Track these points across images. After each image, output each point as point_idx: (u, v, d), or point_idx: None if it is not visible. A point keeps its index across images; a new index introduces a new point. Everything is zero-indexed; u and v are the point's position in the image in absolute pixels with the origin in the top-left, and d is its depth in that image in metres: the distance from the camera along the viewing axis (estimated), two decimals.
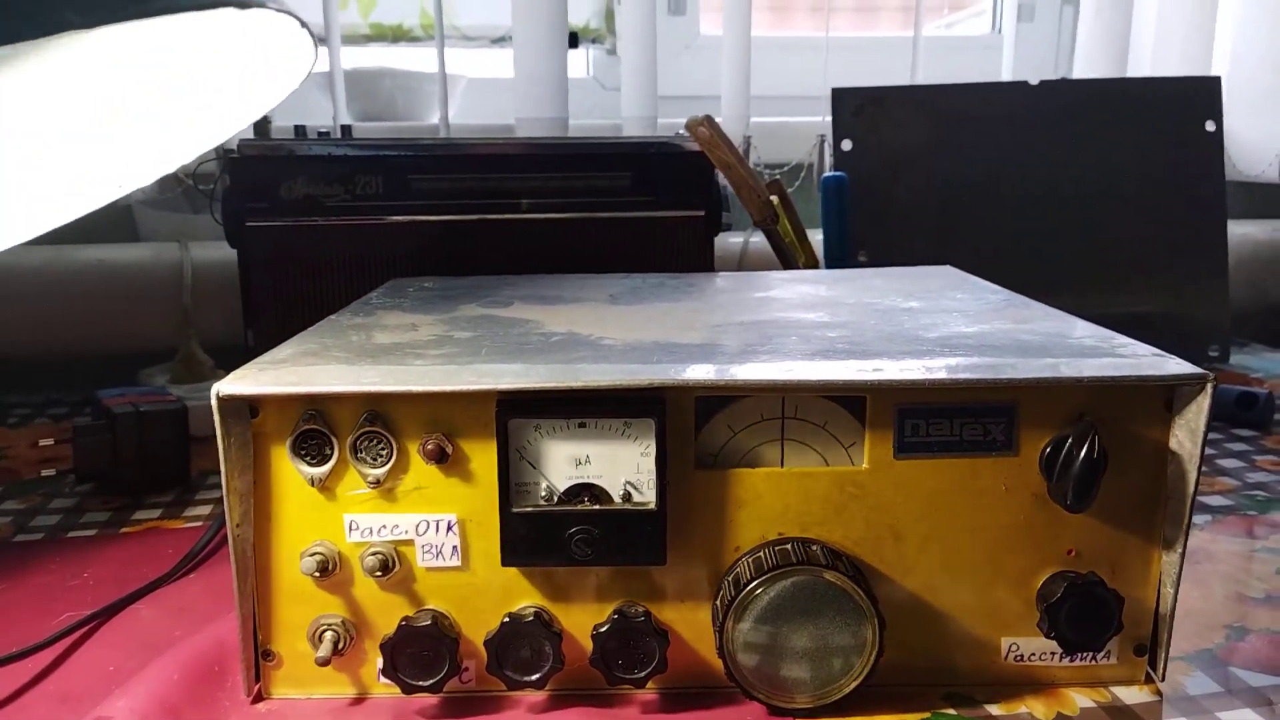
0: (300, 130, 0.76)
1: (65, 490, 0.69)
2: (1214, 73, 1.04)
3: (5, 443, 0.81)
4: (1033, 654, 0.43)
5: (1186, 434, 0.41)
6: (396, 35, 1.30)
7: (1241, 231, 1.08)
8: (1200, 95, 0.96)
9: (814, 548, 0.41)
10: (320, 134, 0.76)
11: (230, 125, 0.43)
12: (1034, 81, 0.95)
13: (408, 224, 0.76)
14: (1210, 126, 0.96)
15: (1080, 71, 1.12)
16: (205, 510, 0.65)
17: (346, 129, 0.80)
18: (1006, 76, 1.20)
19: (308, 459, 0.41)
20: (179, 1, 0.27)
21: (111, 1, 0.25)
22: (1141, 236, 0.96)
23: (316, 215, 0.74)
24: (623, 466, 0.41)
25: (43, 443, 0.77)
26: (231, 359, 0.88)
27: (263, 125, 0.76)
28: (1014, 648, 0.43)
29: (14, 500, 0.68)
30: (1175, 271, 0.97)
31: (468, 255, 0.76)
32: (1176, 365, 0.41)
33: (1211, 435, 0.78)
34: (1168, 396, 0.41)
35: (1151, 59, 1.10)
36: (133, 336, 0.93)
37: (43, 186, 0.39)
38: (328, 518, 0.41)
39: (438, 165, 0.76)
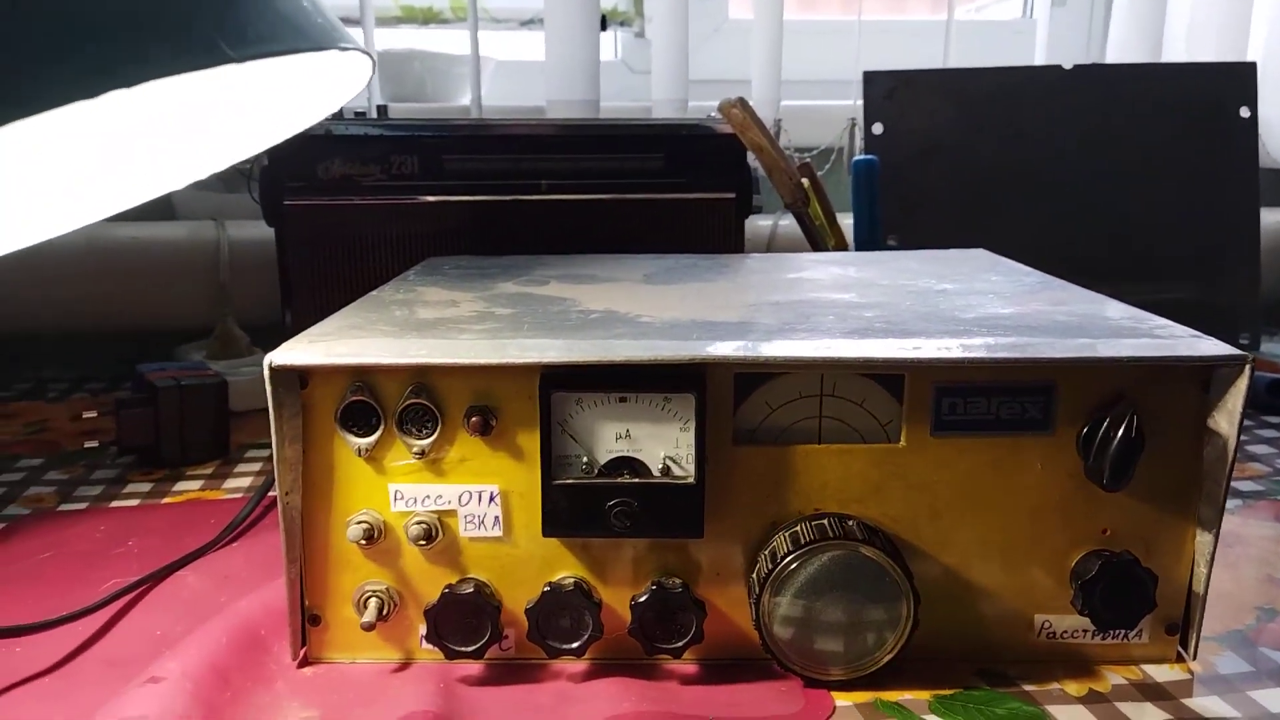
0: (337, 111, 0.77)
1: (107, 462, 0.70)
2: (1249, 59, 1.03)
3: (46, 416, 0.83)
4: (1065, 631, 0.44)
5: (1224, 415, 0.41)
6: (427, 18, 1.31)
7: (1274, 219, 1.07)
8: (1235, 81, 0.95)
9: (850, 523, 0.41)
10: (357, 114, 0.77)
11: (285, 132, 0.44)
12: (1067, 65, 0.95)
13: (442, 204, 0.76)
14: (1245, 113, 0.95)
15: (1114, 57, 1.11)
16: (245, 482, 0.66)
17: (382, 109, 0.80)
18: (1039, 60, 1.19)
19: (355, 429, 0.42)
20: (265, 49, 0.28)
21: (204, 52, 0.26)
22: (1173, 223, 0.96)
23: (353, 195, 0.75)
24: (662, 441, 0.42)
25: (86, 415, 0.79)
26: (267, 336, 0.89)
27: None
28: (1047, 625, 0.44)
29: (56, 471, 0.69)
30: (1207, 258, 0.96)
31: (501, 235, 0.77)
32: (1214, 346, 0.41)
33: (1245, 421, 0.77)
34: (1205, 378, 0.41)
35: (1186, 44, 1.09)
36: (169, 313, 0.95)
37: (88, 187, 0.40)
38: (374, 487, 0.42)
39: (472, 146, 0.76)
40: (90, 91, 0.23)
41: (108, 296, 0.94)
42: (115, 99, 0.24)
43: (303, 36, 0.30)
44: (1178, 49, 1.10)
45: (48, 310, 0.94)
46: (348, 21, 1.35)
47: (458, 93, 1.19)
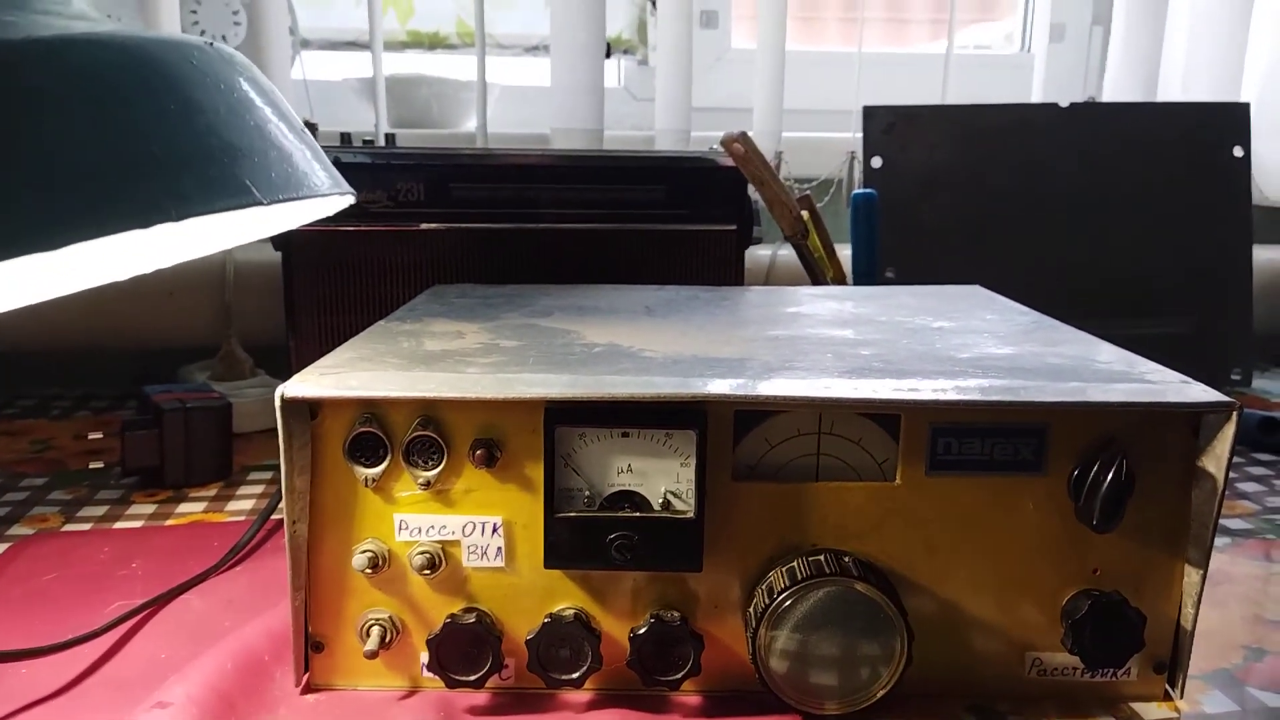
0: (345, 138, 0.78)
1: (111, 482, 0.71)
2: (1243, 99, 1.05)
3: (50, 434, 0.84)
4: (1055, 669, 0.44)
5: (1212, 460, 0.42)
6: (433, 43, 1.33)
7: (1266, 256, 1.09)
8: (1229, 121, 0.97)
9: (846, 559, 0.42)
10: (365, 141, 0.78)
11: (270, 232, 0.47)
12: (1064, 104, 0.97)
13: (447, 231, 0.78)
14: (1238, 152, 0.97)
15: (1110, 93, 1.13)
16: (248, 505, 0.67)
17: (390, 137, 0.82)
18: (1036, 96, 1.21)
19: (363, 460, 0.42)
20: (287, 195, 0.31)
21: (238, 195, 0.28)
22: (1168, 259, 0.97)
23: (360, 220, 0.76)
24: (664, 476, 0.42)
25: (92, 436, 0.80)
26: (270, 358, 0.91)
27: (310, 131, 0.78)
28: (1037, 662, 0.44)
29: (61, 490, 0.70)
30: (1200, 295, 0.98)
31: (505, 262, 0.78)
32: (1203, 393, 0.42)
33: (1234, 460, 0.78)
34: (1195, 423, 0.42)
35: (1182, 82, 1.11)
36: (173, 333, 0.96)
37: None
38: (380, 516, 0.43)
39: (478, 174, 0.77)
40: (146, 221, 0.25)
41: (113, 315, 0.94)
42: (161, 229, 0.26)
43: (316, 187, 0.33)
44: (1173, 88, 1.12)
45: (51, 327, 0.94)
46: (356, 45, 1.36)
47: (464, 118, 1.21)
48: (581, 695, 0.44)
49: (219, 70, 0.31)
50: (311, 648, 0.44)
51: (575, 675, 0.43)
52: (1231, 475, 0.75)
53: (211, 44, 0.31)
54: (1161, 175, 0.97)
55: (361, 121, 1.15)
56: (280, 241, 0.76)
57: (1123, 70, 1.10)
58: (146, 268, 0.42)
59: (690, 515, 0.42)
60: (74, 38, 0.27)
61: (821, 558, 0.42)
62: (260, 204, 0.29)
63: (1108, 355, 0.49)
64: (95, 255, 0.28)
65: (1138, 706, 0.45)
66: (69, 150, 0.25)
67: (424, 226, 0.77)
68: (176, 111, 0.28)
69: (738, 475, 0.43)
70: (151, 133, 0.27)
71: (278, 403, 0.41)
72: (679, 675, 0.43)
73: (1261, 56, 1.10)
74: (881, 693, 0.42)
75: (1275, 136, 1.08)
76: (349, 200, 0.38)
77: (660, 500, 0.43)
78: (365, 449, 0.42)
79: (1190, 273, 0.97)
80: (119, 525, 0.64)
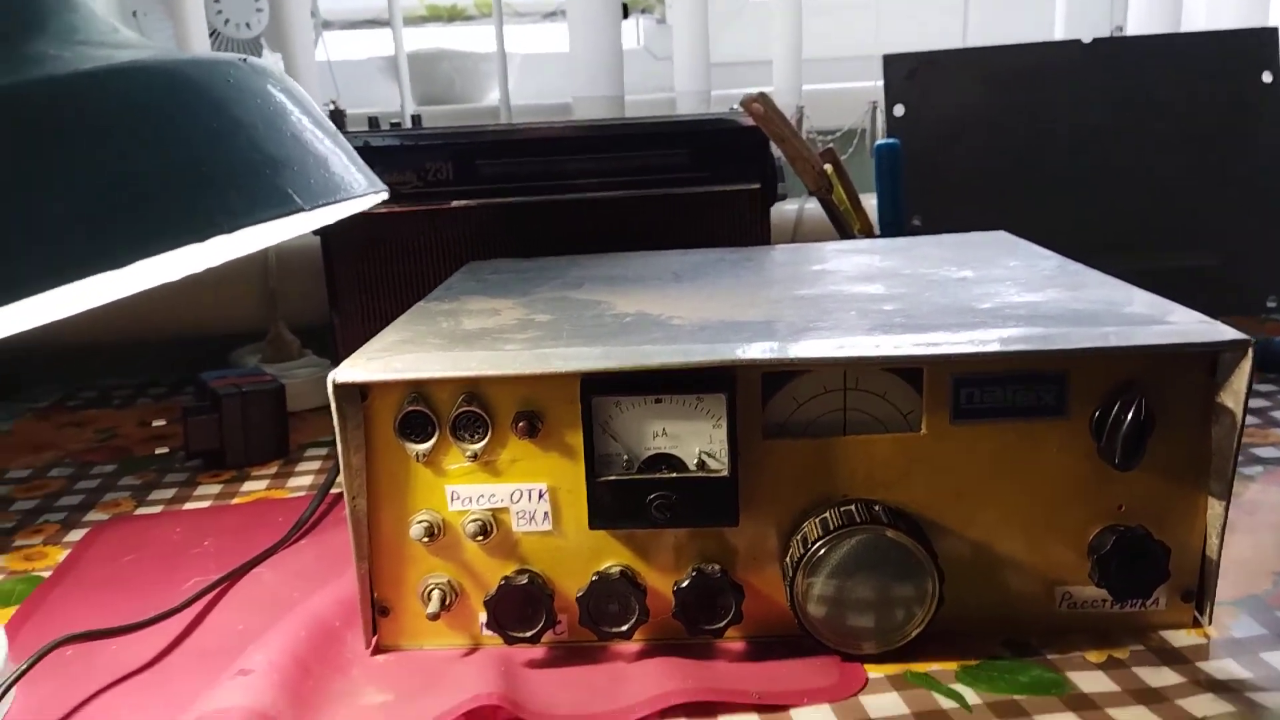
0: (374, 122, 0.80)
1: (176, 466, 0.75)
2: (1271, 23, 1.03)
3: (114, 423, 0.88)
4: (1085, 602, 0.46)
5: (1229, 395, 0.43)
6: (452, 15, 1.34)
7: None
8: (1257, 47, 0.95)
9: (876, 508, 0.44)
10: (392, 124, 0.80)
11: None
12: (1087, 39, 0.96)
13: (476, 207, 0.80)
14: (1267, 78, 0.95)
15: (1135, 24, 1.11)
16: (307, 480, 0.70)
17: (416, 118, 0.84)
18: (1059, 32, 1.19)
19: (413, 437, 0.45)
20: (327, 200, 0.33)
21: (281, 204, 0.30)
22: (1198, 190, 0.97)
23: (392, 203, 0.78)
24: (697, 437, 0.45)
25: (156, 423, 0.84)
26: (316, 338, 0.94)
27: (338, 118, 0.80)
28: (1067, 596, 0.46)
29: (130, 476, 0.74)
30: (1232, 224, 0.97)
31: (534, 235, 0.80)
32: (1218, 331, 0.43)
33: (1267, 388, 0.79)
34: (1211, 361, 0.43)
35: (1207, 10, 1.09)
36: (222, 319, 0.99)
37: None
38: (432, 489, 0.46)
39: (503, 150, 0.79)
40: (201, 236, 0.28)
41: (164, 307, 0.98)
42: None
43: (352, 189, 0.35)
44: (1198, 17, 1.10)
45: (108, 321, 0.98)
46: (375, 23, 1.38)
47: (486, 90, 1.22)
48: (631, 646, 0.47)
49: (254, 85, 0.33)
50: (378, 612, 0.47)
51: (624, 628, 0.45)
52: (1265, 404, 0.76)
53: (245, 59, 0.33)
54: (1189, 106, 0.96)
55: (386, 99, 1.16)
56: (320, 228, 0.79)
57: (1146, 1, 1.08)
58: (198, 268, 0.44)
59: (725, 474, 0.44)
60: (122, 67, 0.29)
61: (852, 507, 0.44)
62: (303, 210, 0.31)
63: (1127, 298, 0.50)
64: (154, 265, 0.30)
65: (1167, 634, 0.46)
66: (128, 175, 0.28)
67: (454, 204, 0.79)
68: (220, 130, 0.30)
69: (768, 433, 0.45)
70: (200, 152, 0.29)
71: (330, 388, 0.43)
72: (722, 624, 0.45)
73: None
74: (916, 632, 0.44)
75: None
76: (383, 196, 0.40)
77: (695, 461, 0.45)
78: (414, 427, 0.45)
79: (1223, 203, 0.97)
80: (188, 506, 0.67)
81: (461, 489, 0.46)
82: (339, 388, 0.44)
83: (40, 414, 0.92)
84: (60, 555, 0.61)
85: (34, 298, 0.27)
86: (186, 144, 0.29)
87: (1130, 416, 0.42)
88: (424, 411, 0.45)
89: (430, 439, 0.45)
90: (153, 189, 0.28)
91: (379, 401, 0.45)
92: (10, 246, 0.26)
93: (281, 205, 0.30)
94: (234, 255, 0.43)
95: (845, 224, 0.85)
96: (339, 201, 0.34)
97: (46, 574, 0.58)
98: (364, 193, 0.36)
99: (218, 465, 0.73)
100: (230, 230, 0.28)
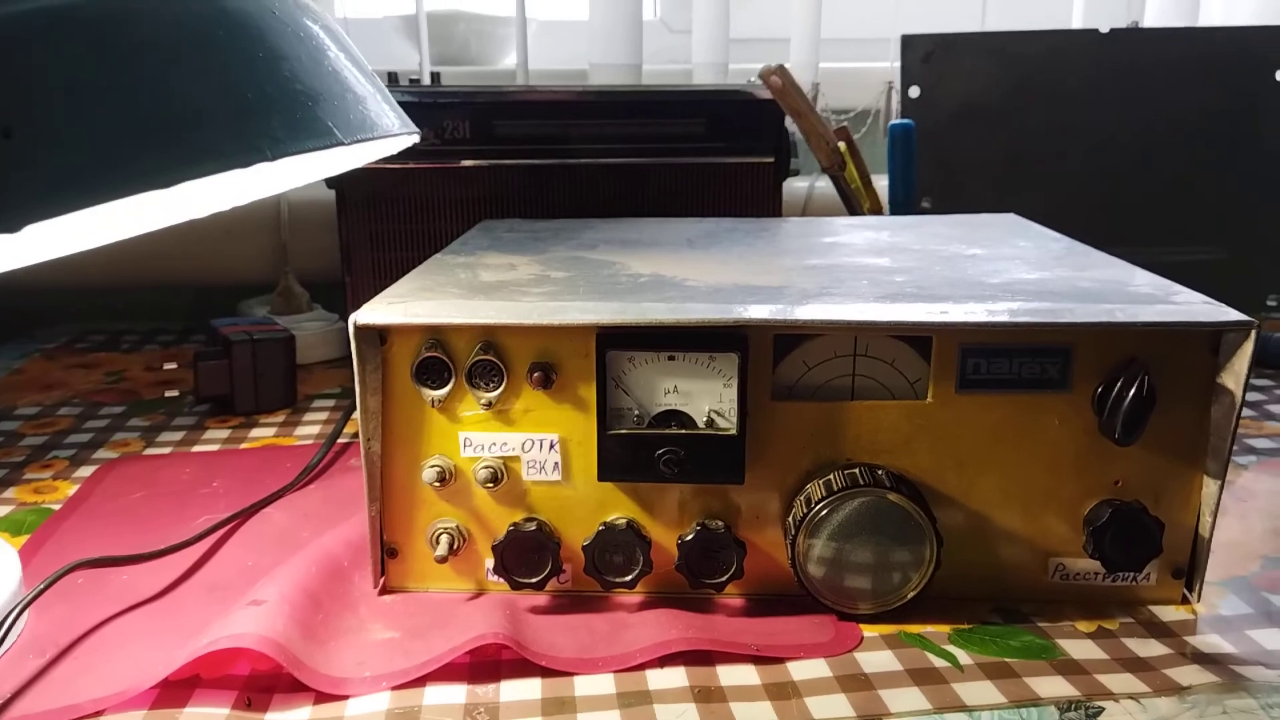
0: (393, 77, 0.80)
1: (185, 410, 0.76)
2: None
3: (123, 366, 0.88)
4: (1077, 573, 0.47)
5: (1230, 376, 0.44)
6: None
7: None
8: (1270, 44, 0.96)
9: (880, 472, 0.45)
10: (411, 81, 0.80)
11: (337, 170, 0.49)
12: (1104, 29, 0.96)
13: (491, 167, 0.80)
14: (1279, 76, 0.96)
15: (1151, 17, 1.11)
16: (313, 430, 0.71)
17: (435, 76, 0.84)
18: (1077, 20, 1.19)
19: (429, 383, 0.46)
20: (365, 135, 0.33)
21: (321, 136, 0.31)
22: (1205, 186, 0.97)
23: (408, 159, 0.79)
24: (708, 396, 0.45)
25: (167, 366, 0.84)
26: (325, 293, 0.94)
27: None
28: (1060, 567, 0.47)
29: (139, 418, 0.75)
30: (1238, 220, 0.98)
31: (548, 197, 0.80)
32: (1222, 312, 0.44)
33: (1263, 382, 0.80)
34: (1214, 342, 0.44)
35: (1224, 6, 1.09)
36: (231, 270, 1.00)
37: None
38: (445, 435, 0.47)
39: (521, 111, 0.80)
40: (247, 161, 0.28)
41: (173, 254, 0.98)
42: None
43: (388, 128, 0.35)
44: (1215, 12, 1.10)
45: (117, 267, 0.99)
46: None
47: (502, 54, 1.22)
48: (633, 596, 0.48)
49: (298, 19, 0.33)
50: (387, 554, 0.48)
51: (628, 578, 0.46)
52: (1261, 398, 0.77)
53: None
54: (1202, 100, 0.96)
55: (401, 59, 1.16)
56: (333, 181, 0.79)
57: None
58: (225, 205, 0.45)
59: (733, 432, 0.45)
60: None
61: (856, 470, 0.45)
62: (342, 144, 0.32)
63: (1134, 278, 0.51)
64: (197, 189, 0.31)
65: (1156, 609, 0.47)
66: (177, 97, 0.28)
67: (469, 163, 0.80)
68: (264, 59, 0.31)
69: (777, 395, 0.46)
70: (244, 80, 0.30)
71: (351, 330, 0.44)
72: (723, 578, 0.46)
73: None
74: (911, 594, 0.46)
75: None
76: (415, 138, 0.41)
77: (705, 419, 0.46)
78: (431, 372, 0.46)
79: (1228, 199, 0.97)
80: (196, 449, 0.68)
81: (474, 436, 0.46)
82: (360, 329, 0.44)
83: (49, 354, 0.93)
84: (70, 490, 0.62)
85: (75, 218, 0.28)
86: (232, 70, 0.29)
87: (1133, 392, 0.43)
88: (441, 358, 0.45)
89: (446, 385, 0.46)
90: (200, 112, 0.28)
91: (398, 346, 0.46)
92: (61, 160, 0.26)
93: (322, 137, 0.31)
94: (262, 193, 0.44)
95: (855, 202, 0.85)
96: (375, 139, 0.34)
97: (56, 507, 0.59)
98: (398, 132, 0.37)
99: (226, 411, 0.74)
100: (274, 158, 0.29)
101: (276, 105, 0.30)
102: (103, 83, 0.27)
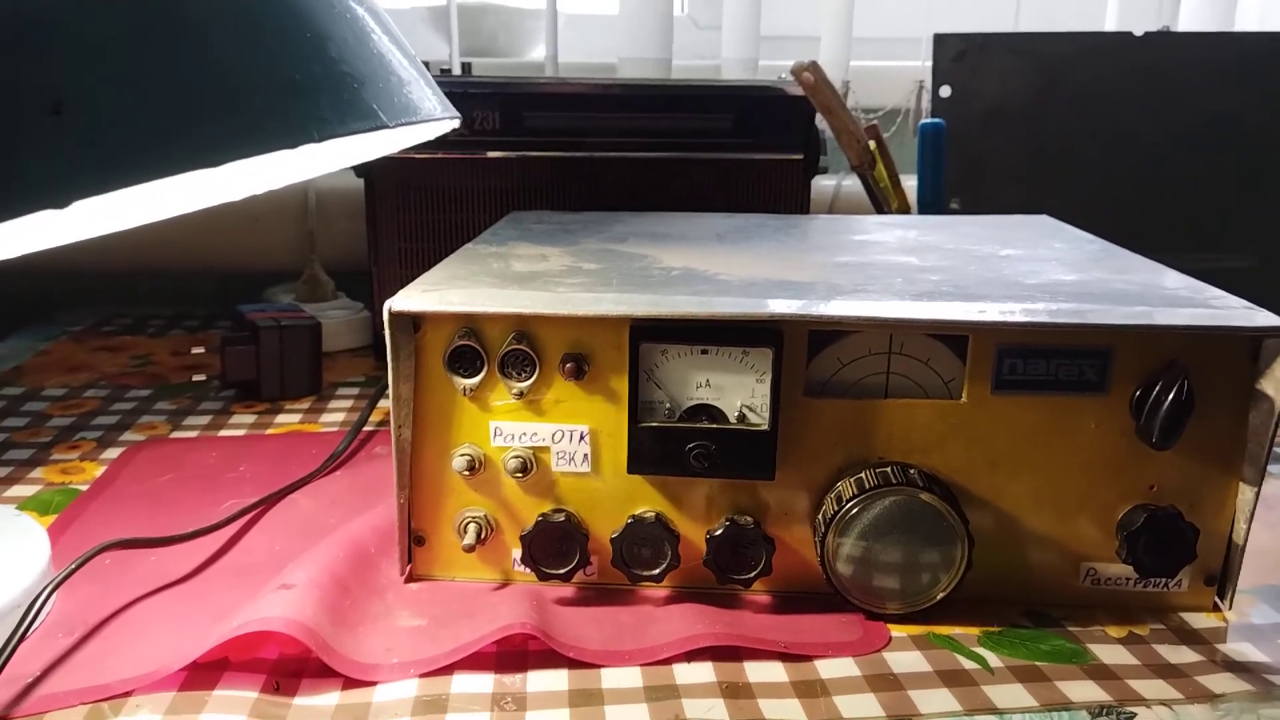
0: (424, 66, 0.80)
1: (211, 394, 0.76)
2: None
3: (149, 350, 0.89)
4: (1108, 579, 0.47)
5: (1270, 383, 0.43)
6: None
7: None
8: None
9: (912, 471, 0.45)
10: (442, 70, 0.80)
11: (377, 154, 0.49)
12: (1138, 32, 0.95)
13: (519, 159, 0.80)
14: None
15: (1186, 21, 1.10)
16: (339, 417, 0.71)
17: (466, 66, 0.84)
18: (1111, 22, 1.18)
19: (462, 371, 0.46)
20: (409, 119, 0.33)
21: (366, 118, 0.31)
22: (1238, 191, 0.96)
23: (437, 149, 0.79)
24: (740, 390, 0.45)
25: (195, 350, 0.85)
26: (350, 282, 0.95)
27: None
28: (1091, 572, 0.47)
29: (165, 401, 0.75)
30: (1269, 228, 0.97)
31: (577, 190, 0.80)
32: (1265, 317, 0.44)
33: None
34: (1255, 347, 0.44)
35: (1260, 13, 1.08)
36: (258, 256, 1.00)
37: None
38: (476, 423, 0.46)
39: (551, 104, 0.79)
40: (295, 141, 0.28)
41: (200, 239, 0.99)
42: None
43: (431, 112, 0.36)
44: (1251, 17, 1.09)
45: (143, 252, 0.99)
46: None
47: (530, 46, 1.22)
48: (660, 590, 0.48)
49: (342, 0, 0.33)
50: (414, 541, 0.48)
51: (656, 572, 0.46)
52: None
53: None
54: (1234, 106, 0.95)
55: (429, 49, 1.16)
56: (363, 169, 0.79)
57: None
58: (262, 189, 0.45)
59: (764, 428, 0.45)
60: None
61: (888, 469, 0.45)
62: (386, 127, 0.32)
63: (1173, 281, 0.51)
64: (244, 169, 0.31)
65: (1187, 616, 0.47)
66: (226, 76, 0.28)
67: (498, 155, 0.80)
68: (311, 40, 0.31)
69: (810, 391, 0.46)
70: (291, 60, 0.30)
71: (385, 316, 0.44)
72: (751, 575, 0.46)
73: None
74: (941, 595, 0.45)
75: None
76: (456, 124, 0.41)
77: (736, 414, 0.45)
78: (464, 360, 0.46)
79: (1261, 205, 0.96)
80: (222, 433, 0.68)
81: (505, 425, 0.46)
82: (394, 316, 0.44)
83: (75, 337, 0.93)
84: (97, 471, 0.62)
85: (120, 195, 0.28)
86: (280, 50, 0.29)
87: (1171, 396, 0.43)
88: (474, 346, 0.45)
89: (479, 374, 0.46)
90: (249, 91, 0.28)
91: (431, 333, 0.46)
92: (110, 137, 0.26)
93: (368, 119, 0.31)
94: (302, 175, 0.44)
95: (884, 201, 0.85)
96: (418, 122, 0.34)
97: (83, 488, 0.60)
98: (441, 116, 0.37)
99: (252, 396, 0.74)
100: (320, 139, 0.29)
101: (324, 86, 0.30)
102: (152, 60, 0.27)
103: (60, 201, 0.26)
